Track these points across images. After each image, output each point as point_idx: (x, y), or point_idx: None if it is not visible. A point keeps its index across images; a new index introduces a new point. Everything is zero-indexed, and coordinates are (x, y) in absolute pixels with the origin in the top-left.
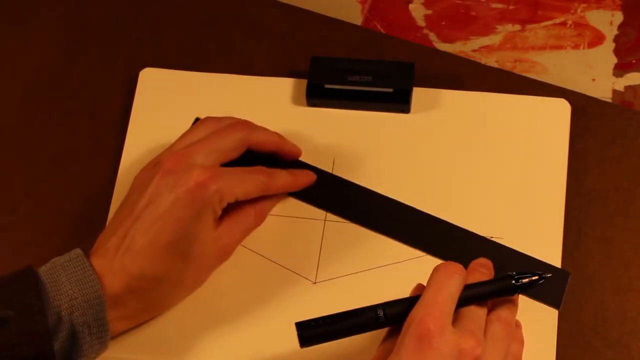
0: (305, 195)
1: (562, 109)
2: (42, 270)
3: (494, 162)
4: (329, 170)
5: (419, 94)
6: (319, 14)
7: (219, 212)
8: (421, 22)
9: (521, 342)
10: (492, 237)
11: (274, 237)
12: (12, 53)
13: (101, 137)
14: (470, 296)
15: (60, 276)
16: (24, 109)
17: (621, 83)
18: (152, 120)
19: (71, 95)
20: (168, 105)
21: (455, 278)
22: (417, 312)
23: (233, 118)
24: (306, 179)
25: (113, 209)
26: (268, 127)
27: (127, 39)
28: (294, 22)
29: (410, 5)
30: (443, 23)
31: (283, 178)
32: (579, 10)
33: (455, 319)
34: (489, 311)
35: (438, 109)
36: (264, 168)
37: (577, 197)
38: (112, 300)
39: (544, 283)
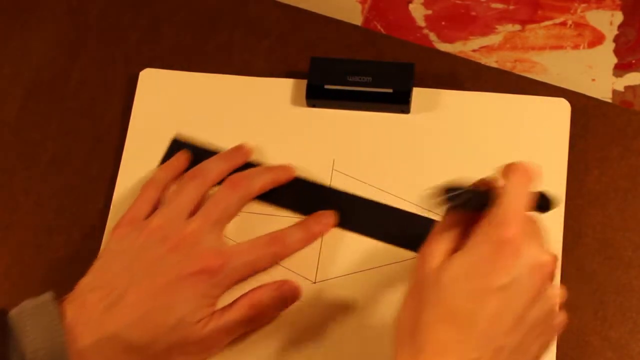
0: (295, 205)
1: (562, 109)
2: (12, 313)
3: (493, 162)
4: (329, 172)
5: (419, 94)
6: (319, 14)
7: (219, 298)
8: (421, 22)
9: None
10: None
11: None
12: (12, 53)
13: (101, 137)
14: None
15: (27, 323)
16: (24, 109)
17: (621, 83)
18: (152, 120)
19: (71, 95)
20: (168, 105)
21: (530, 184)
22: (497, 215)
23: (205, 172)
24: (323, 226)
25: (113, 209)
26: (267, 128)
27: (127, 39)
28: (294, 22)
29: (410, 5)
30: (443, 23)
31: (296, 237)
32: (579, 10)
33: None
34: None
35: (438, 109)
36: (275, 235)
37: (577, 197)
38: (77, 355)
39: None
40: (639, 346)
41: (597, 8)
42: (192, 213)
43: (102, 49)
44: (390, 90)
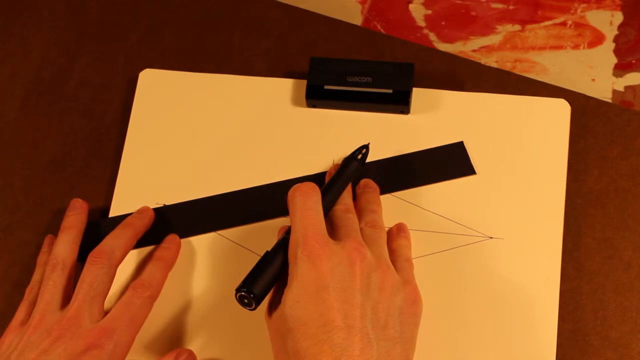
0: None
1: (562, 109)
2: None
3: (493, 162)
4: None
5: (419, 95)
6: (319, 14)
7: None
8: (421, 22)
9: (407, 239)
10: (492, 237)
11: (273, 238)
12: (12, 53)
13: (101, 137)
14: (331, 199)
15: None
16: (24, 109)
17: (621, 83)
18: (152, 121)
19: (71, 95)
20: (168, 105)
21: (313, 196)
22: (297, 238)
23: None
24: (173, 251)
25: (113, 210)
26: (267, 128)
27: (127, 39)
28: (294, 22)
29: (410, 5)
30: (443, 23)
31: (157, 272)
32: (579, 10)
33: (330, 228)
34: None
35: (438, 109)
36: (139, 282)
37: (577, 197)
38: None
39: (450, 161)
40: (639, 346)
41: (597, 8)
42: (66, 299)
43: (102, 49)
44: (390, 91)
